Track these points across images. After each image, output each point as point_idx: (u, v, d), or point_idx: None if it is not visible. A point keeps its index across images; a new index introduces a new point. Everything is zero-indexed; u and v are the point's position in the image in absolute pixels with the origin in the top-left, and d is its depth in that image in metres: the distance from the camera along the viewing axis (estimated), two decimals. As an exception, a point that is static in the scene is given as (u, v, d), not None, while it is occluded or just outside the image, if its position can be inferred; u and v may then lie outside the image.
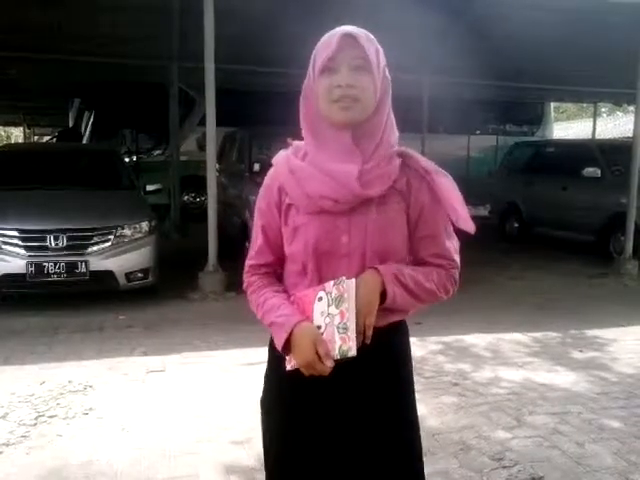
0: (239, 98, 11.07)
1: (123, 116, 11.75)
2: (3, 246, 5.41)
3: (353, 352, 1.37)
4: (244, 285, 1.62)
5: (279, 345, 1.46)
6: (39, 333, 4.96)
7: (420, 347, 4.61)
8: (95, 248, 5.60)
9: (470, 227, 1.49)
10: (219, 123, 6.42)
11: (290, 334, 1.43)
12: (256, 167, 7.28)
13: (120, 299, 5.88)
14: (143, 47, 9.23)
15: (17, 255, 5.40)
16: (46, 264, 5.38)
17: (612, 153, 9.13)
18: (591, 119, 19.51)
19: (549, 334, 5.19)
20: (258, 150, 7.80)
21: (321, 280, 1.46)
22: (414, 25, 7.85)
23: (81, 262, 5.48)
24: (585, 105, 28.09)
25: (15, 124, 27.44)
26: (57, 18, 8.40)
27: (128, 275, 5.73)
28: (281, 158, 1.55)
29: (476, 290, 6.17)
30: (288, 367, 1.47)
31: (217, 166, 7.34)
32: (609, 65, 10.76)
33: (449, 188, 1.48)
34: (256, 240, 1.61)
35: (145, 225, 5.96)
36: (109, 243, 5.66)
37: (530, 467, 2.95)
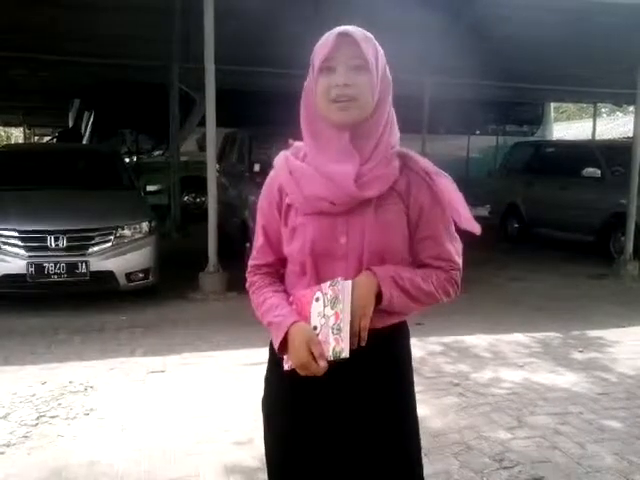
0: (239, 98, 11.07)
1: (123, 116, 11.76)
2: (3, 246, 5.41)
3: (346, 354, 1.37)
4: (247, 285, 1.63)
5: (275, 345, 1.47)
6: (39, 333, 4.96)
7: (421, 347, 4.61)
8: (95, 248, 5.60)
9: (475, 227, 1.48)
10: (219, 123, 6.42)
11: (286, 334, 1.44)
12: (256, 167, 7.28)
13: (120, 299, 5.88)
14: (143, 47, 9.24)
15: (17, 255, 5.40)
16: (46, 264, 5.38)
17: (612, 153, 9.14)
18: (591, 119, 19.51)
19: (550, 335, 5.20)
20: (258, 150, 7.80)
21: (319, 281, 1.46)
22: (414, 25, 7.85)
23: (81, 262, 5.48)
24: (585, 105, 28.11)
25: (15, 124, 27.44)
26: (57, 18, 8.40)
27: (128, 275, 5.73)
28: (281, 159, 1.55)
29: (476, 290, 6.17)
30: (286, 367, 1.47)
31: (217, 166, 7.34)
32: (609, 65, 10.77)
33: (450, 189, 1.48)
34: (258, 240, 1.61)
35: (145, 225, 5.96)
36: (109, 243, 5.67)
37: (531, 467, 2.95)
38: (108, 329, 5.15)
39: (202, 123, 7.86)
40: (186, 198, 11.99)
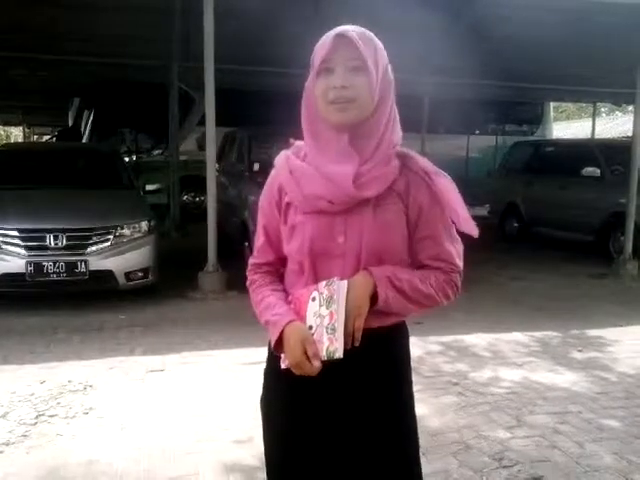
0: (239, 98, 11.07)
1: (123, 116, 11.76)
2: (3, 246, 5.41)
3: (339, 354, 1.37)
4: (247, 283, 1.63)
5: (272, 344, 1.48)
6: (38, 332, 4.96)
7: (420, 347, 4.61)
8: (94, 248, 5.60)
9: (473, 230, 1.48)
10: (219, 123, 6.42)
11: (282, 333, 1.44)
12: (256, 167, 7.28)
13: (120, 299, 5.88)
14: (143, 47, 9.24)
15: (16, 255, 5.40)
16: (45, 264, 5.38)
17: (611, 153, 9.14)
18: (590, 119, 19.51)
19: (549, 334, 5.20)
20: (257, 150, 7.80)
21: (317, 280, 1.46)
22: (414, 25, 7.85)
23: (81, 262, 5.48)
24: (584, 105, 28.13)
25: (15, 123, 27.42)
26: (57, 18, 8.40)
27: (128, 275, 5.73)
28: (282, 158, 1.55)
29: (476, 290, 6.17)
30: (282, 366, 1.47)
31: (217, 166, 7.34)
32: (608, 65, 10.77)
33: (449, 189, 1.47)
34: (258, 239, 1.62)
35: (144, 225, 5.96)
36: (109, 243, 5.66)
37: (530, 467, 2.96)
38: (107, 328, 5.15)
39: (202, 122, 7.88)
40: (185, 197, 11.99)
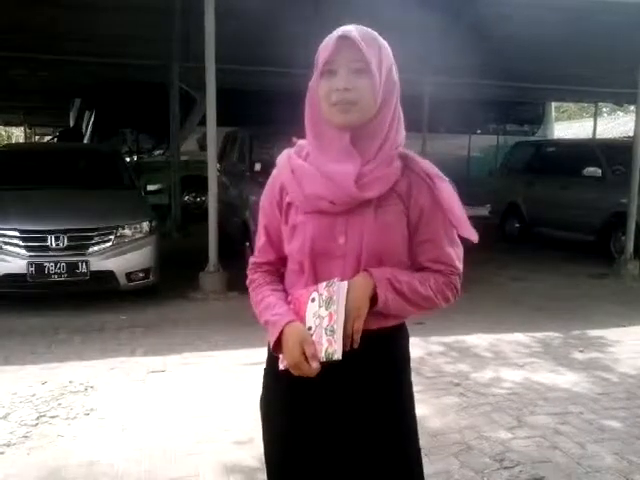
0: (240, 98, 11.08)
1: (124, 116, 11.76)
2: (4, 246, 5.41)
3: (338, 355, 1.37)
4: (247, 282, 1.63)
5: (270, 344, 1.47)
6: (40, 333, 4.96)
7: (421, 347, 4.61)
8: (96, 248, 5.60)
9: (472, 235, 1.47)
10: (220, 123, 6.42)
11: (281, 333, 1.44)
12: (257, 167, 7.27)
13: (121, 299, 5.88)
14: (143, 47, 9.25)
15: (18, 255, 5.40)
16: (47, 264, 5.38)
17: (613, 153, 9.12)
18: (592, 119, 19.51)
19: (550, 334, 5.19)
20: (259, 150, 7.80)
21: (317, 280, 1.46)
22: (415, 25, 7.84)
23: (82, 262, 5.48)
24: (586, 105, 28.11)
25: (16, 124, 27.47)
26: (57, 18, 8.40)
27: (129, 275, 5.73)
28: (284, 157, 1.55)
29: (477, 290, 6.17)
30: (281, 367, 1.47)
31: (218, 166, 7.34)
32: (610, 65, 10.76)
33: (450, 194, 1.47)
34: (259, 238, 1.61)
35: (146, 225, 5.96)
36: (110, 243, 5.66)
37: (531, 467, 2.95)
38: (108, 329, 5.15)
39: (202, 122, 7.87)
40: (186, 198, 12.00)
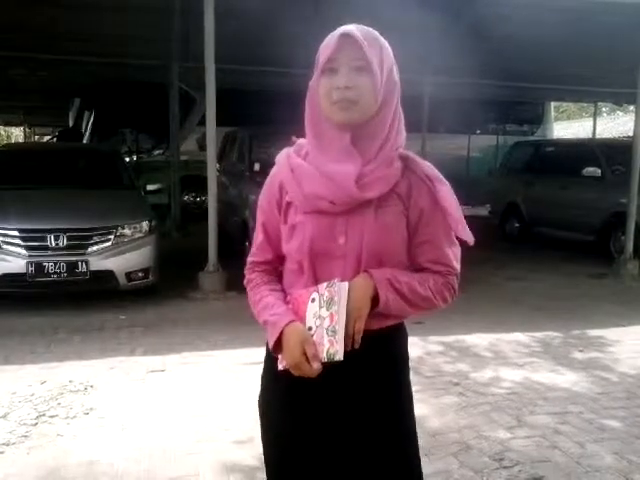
0: (239, 98, 11.08)
1: (123, 116, 11.77)
2: (3, 246, 5.41)
3: (340, 356, 1.37)
4: (244, 281, 1.62)
5: (270, 344, 1.47)
6: (39, 333, 4.96)
7: (421, 347, 4.61)
8: (95, 248, 5.60)
9: (469, 237, 1.48)
10: (219, 123, 6.42)
11: (281, 333, 1.43)
12: (256, 166, 7.27)
13: (120, 299, 5.88)
14: (143, 47, 9.25)
15: (17, 255, 5.40)
16: (46, 264, 5.38)
17: (612, 153, 9.12)
18: (591, 119, 19.52)
19: (550, 334, 5.19)
20: (258, 150, 7.80)
21: (316, 280, 1.46)
22: (414, 25, 7.84)
23: (81, 262, 5.48)
24: (585, 105, 28.11)
25: (15, 124, 27.46)
26: (57, 18, 8.40)
27: (128, 275, 5.73)
28: (283, 156, 1.55)
29: (476, 290, 6.17)
30: (280, 367, 1.47)
31: (217, 166, 7.34)
32: (609, 65, 10.76)
33: (448, 197, 1.47)
34: (257, 237, 1.61)
35: (145, 225, 5.96)
36: (109, 243, 5.66)
37: (530, 467, 2.95)
38: (108, 328, 5.15)
39: (202, 122, 7.87)
40: (186, 197, 11.99)
